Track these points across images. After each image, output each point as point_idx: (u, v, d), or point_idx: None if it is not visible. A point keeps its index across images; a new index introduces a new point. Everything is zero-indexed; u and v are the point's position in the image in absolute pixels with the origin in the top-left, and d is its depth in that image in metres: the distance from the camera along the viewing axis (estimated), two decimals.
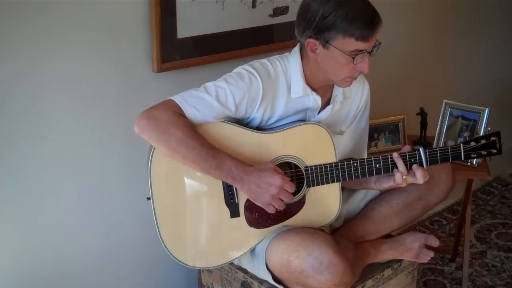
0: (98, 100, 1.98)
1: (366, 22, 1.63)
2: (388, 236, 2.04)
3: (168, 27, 2.00)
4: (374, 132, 2.57)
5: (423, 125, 2.63)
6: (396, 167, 1.76)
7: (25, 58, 1.78)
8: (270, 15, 2.28)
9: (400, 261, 2.03)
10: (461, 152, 1.79)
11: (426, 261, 2.01)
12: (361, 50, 1.66)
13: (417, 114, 2.64)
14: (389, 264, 2.01)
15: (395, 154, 1.76)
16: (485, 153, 1.80)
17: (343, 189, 2.00)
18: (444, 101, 2.54)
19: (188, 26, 2.05)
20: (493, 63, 3.64)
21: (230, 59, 2.14)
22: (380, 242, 1.99)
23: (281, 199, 1.68)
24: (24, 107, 1.82)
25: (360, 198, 2.04)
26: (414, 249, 1.98)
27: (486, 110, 2.42)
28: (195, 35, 2.09)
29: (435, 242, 1.99)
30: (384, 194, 2.00)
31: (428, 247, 2.00)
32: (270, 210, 1.70)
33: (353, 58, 1.67)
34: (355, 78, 1.76)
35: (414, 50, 3.06)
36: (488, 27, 3.49)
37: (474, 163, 2.44)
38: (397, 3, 2.85)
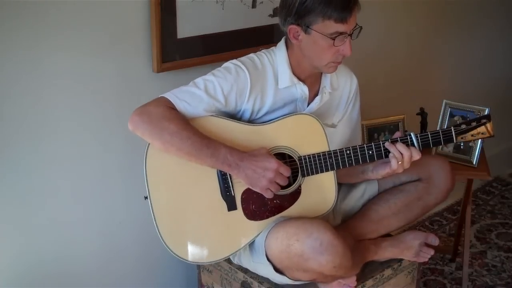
0: (98, 100, 1.98)
1: (343, 4, 1.67)
2: (388, 235, 2.04)
3: (168, 27, 2.00)
4: (374, 132, 2.57)
5: (423, 125, 2.63)
6: (390, 152, 1.77)
7: (25, 58, 1.79)
8: (270, 15, 2.28)
9: (400, 261, 2.03)
10: (452, 135, 1.79)
11: (426, 260, 2.01)
12: (341, 33, 1.70)
13: (417, 114, 2.64)
14: (389, 264, 2.01)
15: (387, 143, 1.77)
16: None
17: (341, 186, 2.00)
18: (444, 101, 2.54)
19: (188, 26, 2.05)
20: (493, 63, 3.64)
21: (230, 59, 2.13)
22: (380, 239, 2.00)
23: (277, 183, 1.70)
24: (23, 107, 1.83)
25: (358, 196, 2.04)
26: (414, 247, 1.99)
27: (486, 110, 2.42)
28: (195, 35, 2.09)
29: (435, 240, 1.99)
30: (383, 193, 2.01)
31: (428, 246, 2.00)
32: (268, 194, 1.71)
33: (334, 40, 1.69)
34: (339, 63, 1.79)
35: (414, 50, 3.06)
36: (488, 26, 3.49)
37: (474, 163, 2.44)
38: (397, 2, 2.85)
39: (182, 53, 2.08)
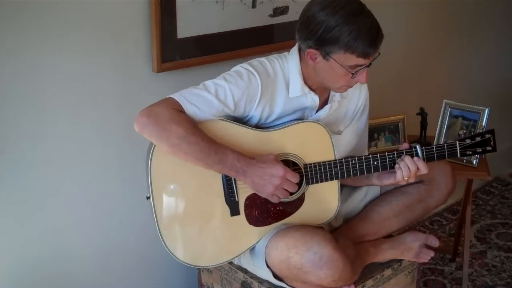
0: (98, 100, 1.98)
1: (370, 41, 1.63)
2: (388, 236, 2.04)
3: (168, 27, 2.00)
4: (374, 132, 2.57)
5: (423, 125, 2.63)
6: (395, 164, 1.78)
7: (25, 57, 1.79)
8: (270, 15, 2.28)
9: (400, 261, 2.03)
10: (457, 150, 1.82)
11: (426, 261, 2.02)
12: (360, 65, 1.68)
13: (417, 114, 2.64)
14: (389, 264, 2.01)
15: (399, 160, 1.78)
16: (480, 150, 1.84)
17: (343, 187, 2.00)
18: (444, 101, 2.54)
19: (188, 26, 2.05)
20: (493, 63, 3.64)
21: (230, 59, 2.14)
22: (380, 241, 1.99)
23: (285, 189, 1.69)
24: (23, 107, 1.82)
25: (360, 198, 2.04)
26: (414, 249, 1.99)
27: (486, 110, 2.42)
28: (195, 35, 2.09)
29: (435, 242, 1.99)
30: (384, 195, 2.01)
31: (428, 247, 2.00)
32: (275, 200, 1.71)
33: (352, 74, 1.68)
34: (351, 87, 1.78)
35: (414, 50, 3.06)
36: (488, 27, 3.49)
37: (474, 163, 2.44)
38: (397, 3, 2.85)
39: (182, 53, 2.07)
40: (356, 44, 1.62)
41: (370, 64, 1.69)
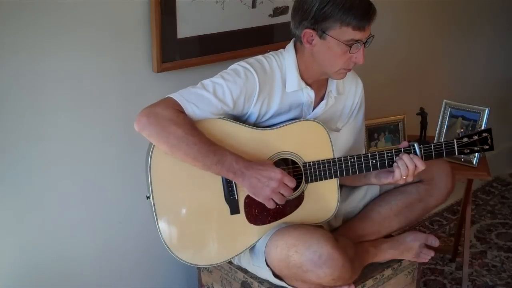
0: (98, 100, 1.98)
1: (363, 12, 1.68)
2: (388, 236, 2.05)
3: (168, 27, 2.00)
4: (374, 132, 2.57)
5: (423, 125, 2.64)
6: (393, 162, 1.79)
7: (25, 57, 1.79)
8: (270, 15, 2.28)
9: (400, 261, 2.03)
10: (454, 148, 1.83)
11: (426, 261, 2.02)
12: (357, 40, 1.69)
13: (417, 114, 2.64)
14: (389, 264, 2.01)
15: (397, 158, 1.78)
16: (478, 148, 1.85)
17: (343, 187, 2.01)
18: (444, 101, 2.54)
19: (188, 26, 2.05)
20: (494, 63, 3.64)
21: (230, 59, 2.14)
22: (380, 241, 1.99)
23: (281, 194, 1.69)
24: (23, 107, 1.82)
25: (360, 198, 2.04)
26: (414, 249, 1.99)
27: (486, 110, 2.42)
28: (195, 35, 2.09)
29: (435, 242, 2.00)
30: (384, 195, 2.01)
31: (428, 247, 2.00)
32: (271, 205, 1.71)
33: (350, 48, 1.70)
34: (349, 70, 1.79)
35: (414, 50, 3.06)
36: (489, 26, 3.49)
37: (474, 163, 2.44)
38: (397, 2, 2.85)
39: (182, 53, 2.08)
40: (350, 15, 1.66)
41: (366, 42, 1.72)
